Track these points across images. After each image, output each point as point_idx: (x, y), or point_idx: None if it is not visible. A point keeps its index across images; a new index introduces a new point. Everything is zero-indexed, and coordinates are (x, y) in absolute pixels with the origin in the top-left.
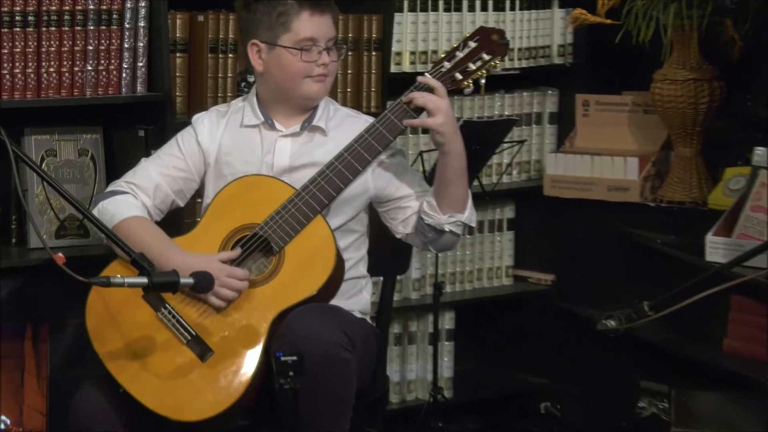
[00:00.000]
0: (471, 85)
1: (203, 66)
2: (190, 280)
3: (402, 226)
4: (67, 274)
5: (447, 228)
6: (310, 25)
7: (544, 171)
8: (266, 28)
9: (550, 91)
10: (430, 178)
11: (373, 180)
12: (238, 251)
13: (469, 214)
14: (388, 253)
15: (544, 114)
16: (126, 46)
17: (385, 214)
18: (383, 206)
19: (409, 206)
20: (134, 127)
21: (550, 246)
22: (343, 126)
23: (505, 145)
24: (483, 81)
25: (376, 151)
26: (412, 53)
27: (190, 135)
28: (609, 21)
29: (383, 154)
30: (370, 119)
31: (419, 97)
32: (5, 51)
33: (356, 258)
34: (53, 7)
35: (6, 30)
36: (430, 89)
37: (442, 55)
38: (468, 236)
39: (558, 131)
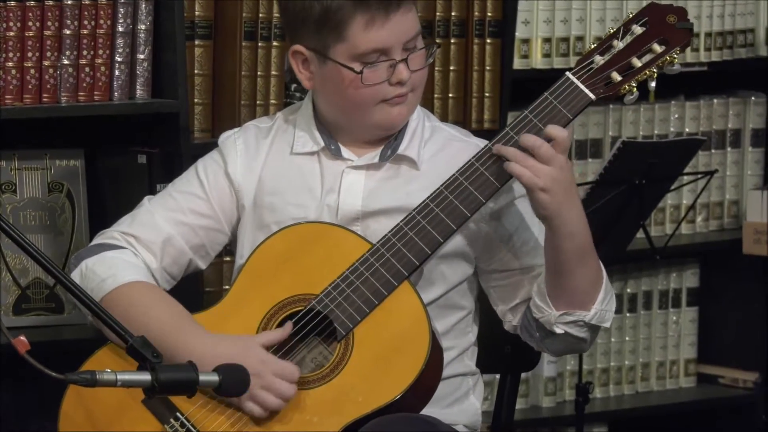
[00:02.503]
0: (635, 90)
1: (235, 60)
2: (215, 378)
3: (511, 314)
4: (32, 367)
5: (559, 330)
6: (372, 34)
7: (743, 218)
8: (312, 31)
9: (753, 98)
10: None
11: (485, 234)
12: (288, 328)
13: (597, 311)
14: (507, 339)
15: (745, 131)
16: (120, 29)
17: (491, 291)
18: (491, 279)
19: (524, 288)
20: (131, 150)
21: (753, 329)
22: (443, 155)
23: (685, 179)
24: (653, 84)
25: (492, 189)
26: (546, 41)
27: (217, 164)
28: None
29: (501, 196)
30: (484, 143)
31: (506, 154)
32: None
33: (461, 347)
34: None
35: None
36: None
37: (593, 46)
38: (628, 314)
39: (765, 157)
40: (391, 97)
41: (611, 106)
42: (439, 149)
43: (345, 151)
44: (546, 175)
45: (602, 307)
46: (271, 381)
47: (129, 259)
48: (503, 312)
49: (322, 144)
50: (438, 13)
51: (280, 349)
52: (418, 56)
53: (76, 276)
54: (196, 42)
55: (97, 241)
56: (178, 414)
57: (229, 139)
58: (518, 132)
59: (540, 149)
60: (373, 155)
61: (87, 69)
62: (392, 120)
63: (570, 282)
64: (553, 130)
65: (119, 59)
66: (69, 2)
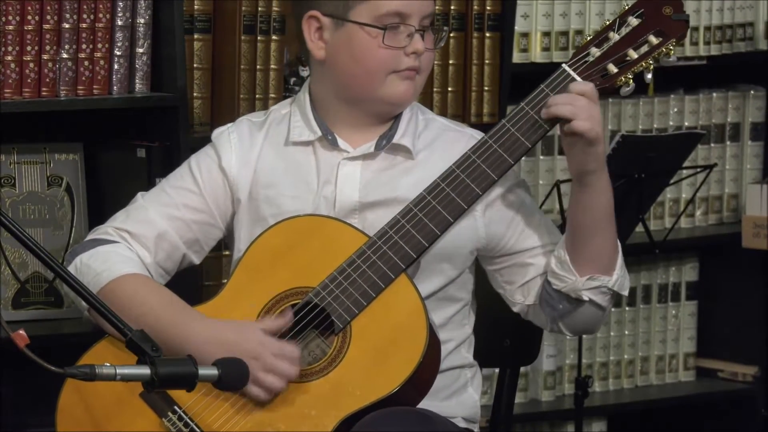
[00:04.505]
0: (631, 82)
1: (234, 53)
2: (214, 372)
3: (521, 293)
4: (30, 361)
5: (586, 296)
6: None
7: (742, 211)
8: None
9: (752, 91)
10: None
11: (484, 224)
12: (288, 317)
13: (618, 277)
14: (506, 333)
15: (744, 125)
16: (119, 23)
17: (497, 275)
18: (496, 263)
19: (533, 264)
20: (130, 144)
21: (753, 323)
22: (438, 144)
23: (685, 173)
24: (650, 76)
25: (489, 181)
26: (545, 35)
27: (211, 159)
28: None
29: (499, 186)
30: (480, 134)
31: (555, 105)
32: None
33: (458, 339)
34: None
35: None
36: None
37: (589, 38)
38: (627, 308)
39: (764, 151)
40: (403, 69)
41: (610, 100)
42: (434, 138)
43: (341, 142)
44: (599, 123)
45: (621, 273)
46: (272, 362)
47: (123, 252)
48: (512, 292)
49: (319, 133)
50: (437, 7)
51: (285, 336)
52: (430, 36)
53: (71, 270)
54: (195, 36)
55: (90, 237)
56: (176, 407)
57: (222, 134)
58: (517, 123)
59: (588, 93)
60: (369, 145)
61: (86, 63)
62: (400, 95)
63: (598, 243)
64: (579, 86)
65: (118, 53)
66: None
